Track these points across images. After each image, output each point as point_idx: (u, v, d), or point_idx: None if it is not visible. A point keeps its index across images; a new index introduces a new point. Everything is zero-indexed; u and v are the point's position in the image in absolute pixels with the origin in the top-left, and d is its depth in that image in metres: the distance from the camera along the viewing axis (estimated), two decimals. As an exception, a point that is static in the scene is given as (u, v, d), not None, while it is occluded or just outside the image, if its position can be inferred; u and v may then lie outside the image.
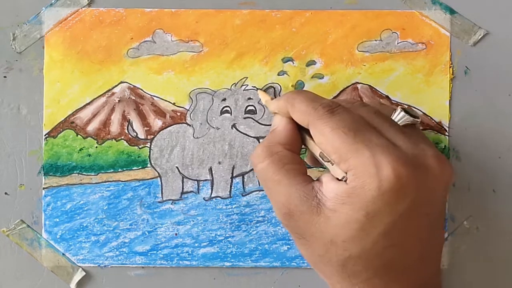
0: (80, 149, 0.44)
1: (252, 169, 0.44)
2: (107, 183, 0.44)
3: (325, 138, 0.33)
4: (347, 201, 0.32)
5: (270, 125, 0.44)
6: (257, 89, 0.44)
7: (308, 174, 0.35)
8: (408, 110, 0.36)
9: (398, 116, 0.36)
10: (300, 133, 0.37)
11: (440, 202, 0.35)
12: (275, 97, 0.44)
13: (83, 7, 0.44)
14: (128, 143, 0.44)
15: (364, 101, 0.44)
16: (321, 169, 0.44)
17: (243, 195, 0.44)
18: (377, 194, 0.32)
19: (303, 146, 0.37)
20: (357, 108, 0.36)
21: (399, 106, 0.36)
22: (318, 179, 0.35)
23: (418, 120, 0.36)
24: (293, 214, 0.34)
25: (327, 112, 0.34)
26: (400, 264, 0.34)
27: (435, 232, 0.36)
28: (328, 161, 0.34)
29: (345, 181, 0.33)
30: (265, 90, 0.44)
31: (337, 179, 0.33)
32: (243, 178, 0.44)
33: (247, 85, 0.44)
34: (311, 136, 0.35)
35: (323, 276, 0.36)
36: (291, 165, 0.35)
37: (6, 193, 0.44)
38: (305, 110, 0.35)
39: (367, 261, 0.33)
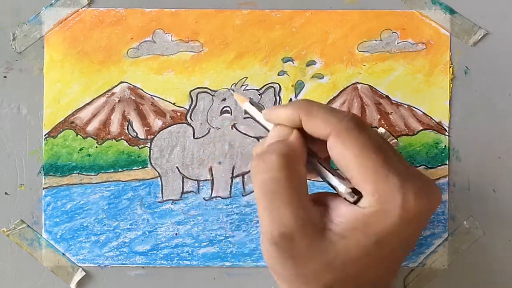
0: (80, 149, 0.44)
1: (252, 169, 0.44)
2: (107, 183, 0.44)
3: (351, 154, 0.31)
4: (359, 227, 0.31)
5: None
6: (243, 98, 0.38)
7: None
8: (387, 131, 0.36)
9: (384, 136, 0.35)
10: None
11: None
12: (275, 98, 0.44)
13: (83, 7, 0.44)
14: (128, 143, 0.44)
15: (363, 101, 0.44)
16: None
17: (243, 195, 0.44)
18: (397, 223, 0.31)
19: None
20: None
21: (380, 127, 0.36)
22: (320, 202, 0.33)
23: (399, 143, 0.36)
24: (294, 235, 0.31)
25: (356, 126, 0.31)
26: (380, 284, 0.34)
27: (407, 253, 0.37)
28: (341, 179, 0.32)
29: (355, 202, 0.31)
30: (265, 90, 0.44)
31: (348, 201, 0.32)
32: (243, 178, 0.44)
33: (247, 85, 0.44)
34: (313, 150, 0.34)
35: None
36: (303, 182, 0.32)
37: (6, 193, 0.44)
38: (328, 119, 0.31)
39: (357, 280, 0.33)
